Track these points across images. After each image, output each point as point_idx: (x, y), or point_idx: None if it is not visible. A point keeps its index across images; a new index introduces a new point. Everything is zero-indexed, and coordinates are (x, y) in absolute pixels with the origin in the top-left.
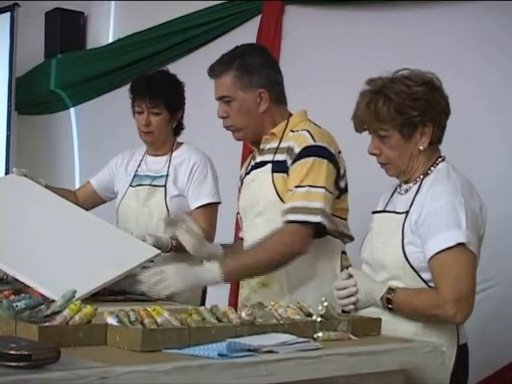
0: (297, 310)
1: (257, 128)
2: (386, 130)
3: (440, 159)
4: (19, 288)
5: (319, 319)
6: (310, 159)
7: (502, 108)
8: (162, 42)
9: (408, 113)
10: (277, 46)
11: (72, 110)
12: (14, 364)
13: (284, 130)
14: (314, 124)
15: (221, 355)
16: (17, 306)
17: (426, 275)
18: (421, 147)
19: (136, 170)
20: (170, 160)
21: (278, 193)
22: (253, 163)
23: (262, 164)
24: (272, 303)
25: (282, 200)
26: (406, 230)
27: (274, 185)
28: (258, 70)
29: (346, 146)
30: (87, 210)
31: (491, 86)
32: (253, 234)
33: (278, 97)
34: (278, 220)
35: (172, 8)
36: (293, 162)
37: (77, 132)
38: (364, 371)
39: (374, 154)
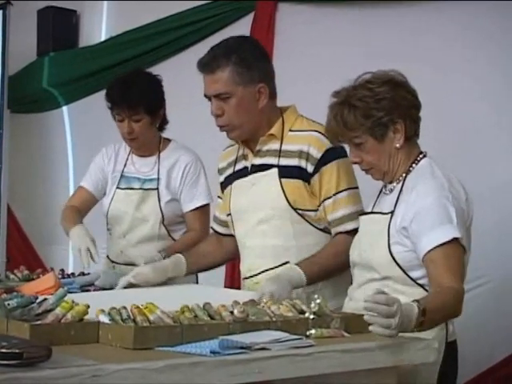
0: (289, 307)
1: (254, 126)
2: (358, 137)
3: (421, 155)
4: (11, 286)
5: (312, 316)
6: (335, 162)
7: (502, 108)
8: (154, 41)
9: (374, 115)
10: (270, 44)
11: (65, 108)
12: (4, 362)
13: (282, 130)
14: (312, 120)
15: (213, 352)
16: (9, 304)
17: (414, 274)
18: (397, 145)
19: (122, 171)
20: (158, 161)
21: (287, 199)
22: (247, 164)
23: (265, 167)
24: (264, 300)
25: (291, 206)
26: (392, 230)
27: (283, 191)
28: (256, 64)
29: None
30: (85, 214)
31: (492, 86)
32: (257, 241)
33: (273, 91)
34: (287, 227)
35: (164, 6)
36: (317, 168)
37: (70, 130)
38: (357, 368)
39: (355, 163)
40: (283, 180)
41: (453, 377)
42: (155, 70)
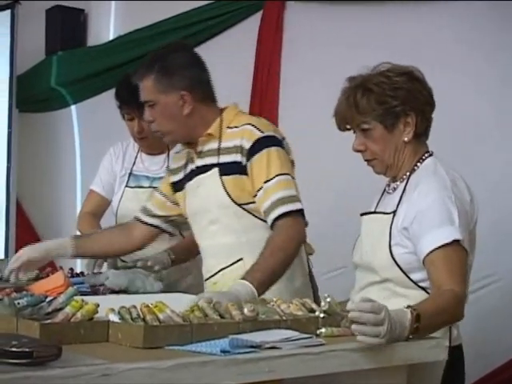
0: (299, 306)
1: (185, 131)
2: (367, 122)
3: (427, 154)
4: (21, 285)
5: (322, 315)
6: (265, 151)
7: (500, 106)
8: (162, 39)
9: (388, 102)
10: (278, 43)
11: (73, 107)
12: (15, 361)
13: (220, 129)
14: (251, 115)
15: (223, 352)
16: (18, 303)
17: (415, 276)
18: (405, 138)
19: (131, 169)
20: (168, 159)
21: (230, 196)
22: (192, 167)
23: (206, 168)
24: (274, 299)
25: (235, 203)
26: (393, 230)
27: (225, 189)
28: (178, 72)
29: (347, 141)
30: (101, 217)
31: (490, 85)
32: (209, 242)
33: (205, 96)
34: (235, 224)
35: (172, 6)
36: (248, 159)
37: (78, 129)
38: (367, 367)
39: (359, 151)
40: (224, 178)
41: (459, 382)
42: None
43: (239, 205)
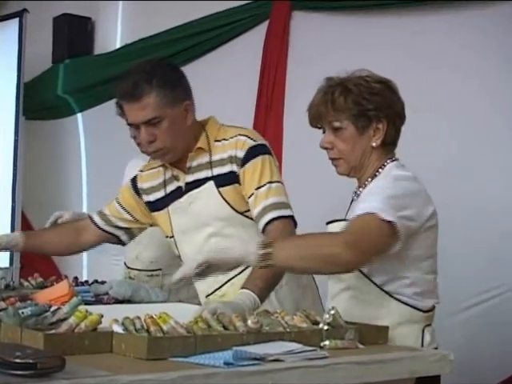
0: (303, 318)
1: (185, 145)
2: (340, 120)
3: (389, 160)
4: (25, 294)
5: (326, 327)
6: (259, 158)
7: (507, 110)
8: (168, 48)
9: (364, 105)
10: (284, 52)
11: (79, 115)
12: (19, 373)
13: (208, 142)
14: (234, 126)
15: (227, 364)
16: (23, 312)
17: (378, 279)
18: (373, 144)
19: None
20: None
21: (231, 206)
22: (179, 185)
23: (199, 183)
24: (278, 311)
25: (236, 211)
26: None
27: (225, 199)
28: (178, 83)
29: None
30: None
31: (497, 89)
32: None
33: (193, 108)
34: (240, 232)
35: (179, 14)
36: (241, 167)
37: (84, 137)
38: (372, 380)
39: (325, 148)
40: (221, 189)
41: None
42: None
43: (241, 213)
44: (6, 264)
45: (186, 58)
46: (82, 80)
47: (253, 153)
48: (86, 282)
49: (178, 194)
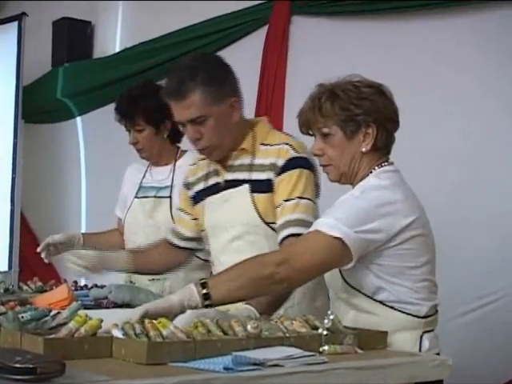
0: (303, 323)
1: (231, 142)
2: (328, 126)
3: (377, 167)
4: (24, 298)
5: (325, 332)
6: (296, 171)
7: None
8: (168, 52)
9: (352, 110)
10: (283, 55)
11: (78, 118)
12: (18, 377)
13: (254, 144)
14: (284, 133)
15: (226, 369)
16: (22, 317)
17: (367, 291)
18: (363, 149)
19: (141, 182)
20: (173, 170)
21: (260, 214)
22: (219, 180)
23: (236, 183)
24: (277, 316)
25: (263, 220)
26: None
27: (255, 206)
28: (224, 79)
29: None
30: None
31: (503, 89)
32: (233, 258)
33: (242, 104)
34: (261, 242)
35: (178, 18)
36: (278, 176)
37: (83, 141)
38: None
39: (316, 155)
40: (255, 195)
41: None
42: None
43: (267, 223)
44: (5, 268)
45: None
46: (82, 84)
47: (292, 164)
48: (86, 286)
49: (215, 189)
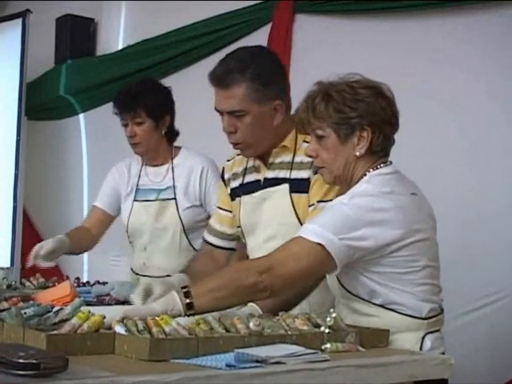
0: (305, 321)
1: (269, 142)
2: (322, 128)
3: (371, 170)
4: (27, 295)
5: (327, 330)
6: None
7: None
8: (171, 50)
9: (346, 112)
10: (286, 55)
11: (81, 115)
12: (22, 373)
13: (296, 142)
14: None
15: (229, 366)
16: (25, 313)
17: (364, 295)
18: (357, 153)
19: (137, 184)
20: (172, 168)
21: (297, 215)
22: (259, 177)
23: (277, 182)
24: (280, 314)
25: (301, 222)
26: None
27: (294, 207)
28: (272, 80)
29: None
30: (101, 233)
31: (502, 88)
32: None
33: (289, 104)
34: None
35: (182, 16)
36: (315, 173)
37: (86, 138)
38: (373, 383)
39: (310, 157)
40: (294, 195)
41: None
42: (172, 79)
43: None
44: (7, 264)
45: (189, 60)
46: (85, 81)
47: None
48: (88, 282)
49: (254, 186)
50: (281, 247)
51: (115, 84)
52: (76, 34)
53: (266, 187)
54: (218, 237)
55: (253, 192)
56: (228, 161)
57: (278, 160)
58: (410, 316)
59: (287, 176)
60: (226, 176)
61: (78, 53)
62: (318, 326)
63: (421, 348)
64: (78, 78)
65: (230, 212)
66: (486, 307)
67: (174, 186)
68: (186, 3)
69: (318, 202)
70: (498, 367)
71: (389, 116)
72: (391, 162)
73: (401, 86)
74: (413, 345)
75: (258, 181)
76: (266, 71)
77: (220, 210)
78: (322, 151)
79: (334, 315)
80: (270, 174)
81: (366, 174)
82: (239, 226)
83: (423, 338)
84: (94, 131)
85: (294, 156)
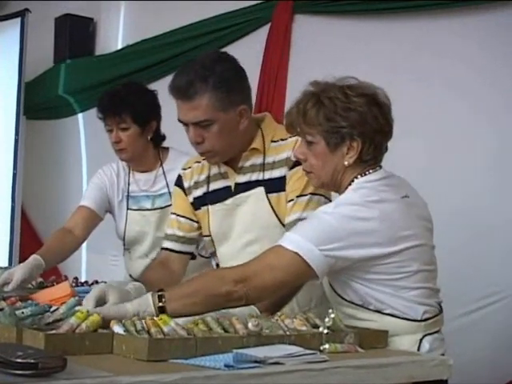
0: (303, 321)
1: (235, 148)
2: (312, 135)
3: (359, 176)
4: (25, 294)
5: (326, 331)
6: None
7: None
8: (170, 49)
9: (337, 121)
10: (285, 54)
11: (80, 115)
12: (20, 372)
13: (263, 143)
14: None
15: (227, 366)
16: (22, 312)
17: (357, 301)
18: (346, 162)
19: (128, 191)
20: (164, 175)
21: (278, 216)
22: (228, 184)
23: (250, 186)
24: (279, 314)
25: (281, 222)
26: None
27: (273, 208)
28: (235, 85)
29: None
30: (86, 233)
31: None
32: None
33: (251, 108)
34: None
35: (181, 16)
36: (290, 169)
37: (84, 137)
38: None
39: (298, 159)
40: (271, 196)
41: None
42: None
43: (284, 225)
44: (5, 264)
45: (188, 60)
46: (84, 80)
47: None
48: (86, 282)
49: (224, 193)
50: (258, 257)
51: (114, 84)
52: (75, 33)
53: (238, 193)
54: (177, 241)
55: (224, 200)
56: (184, 169)
57: (248, 163)
58: (405, 319)
59: (260, 178)
60: (186, 184)
61: (76, 52)
62: (317, 327)
63: (419, 350)
64: (76, 77)
65: (191, 220)
66: (486, 308)
67: (169, 193)
68: (185, 3)
69: (298, 196)
70: (498, 368)
71: (381, 125)
72: (381, 167)
73: (400, 87)
74: (410, 347)
75: (228, 187)
76: (228, 77)
77: (179, 217)
78: (310, 156)
79: (332, 316)
80: (242, 179)
81: (353, 180)
82: (208, 236)
83: (421, 340)
84: (93, 131)
85: (264, 157)
